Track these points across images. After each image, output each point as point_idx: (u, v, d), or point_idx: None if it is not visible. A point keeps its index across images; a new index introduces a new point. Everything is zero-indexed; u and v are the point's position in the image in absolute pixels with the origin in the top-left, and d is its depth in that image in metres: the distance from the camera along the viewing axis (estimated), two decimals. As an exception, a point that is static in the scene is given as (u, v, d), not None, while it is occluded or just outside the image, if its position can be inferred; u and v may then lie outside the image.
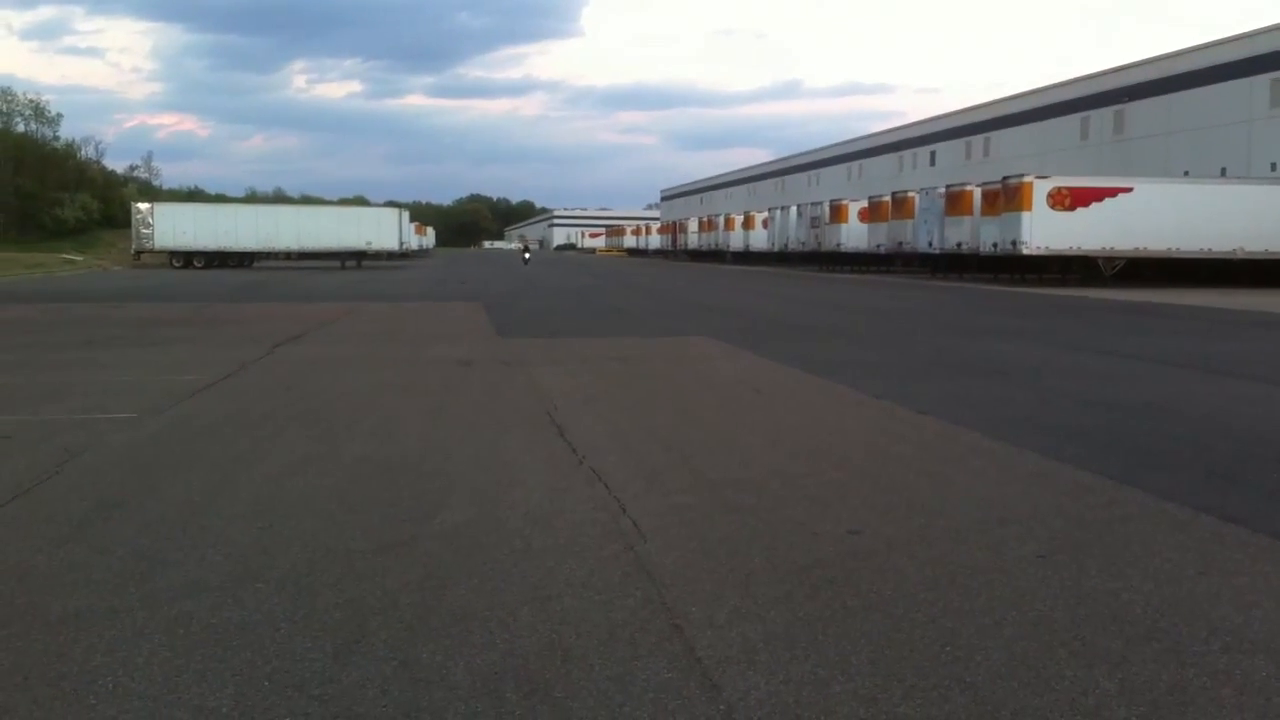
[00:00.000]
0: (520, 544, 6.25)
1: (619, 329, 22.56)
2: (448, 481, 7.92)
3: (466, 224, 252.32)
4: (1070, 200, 42.35)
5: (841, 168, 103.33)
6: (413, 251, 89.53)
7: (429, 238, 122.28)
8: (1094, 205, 42.44)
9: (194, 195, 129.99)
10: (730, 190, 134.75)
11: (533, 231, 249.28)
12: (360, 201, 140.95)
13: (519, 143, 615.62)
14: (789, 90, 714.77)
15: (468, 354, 16.73)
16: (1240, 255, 43.02)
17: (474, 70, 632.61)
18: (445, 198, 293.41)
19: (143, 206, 68.49)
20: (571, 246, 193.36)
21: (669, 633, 4.84)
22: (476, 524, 6.69)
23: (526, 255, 75.82)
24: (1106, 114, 66.00)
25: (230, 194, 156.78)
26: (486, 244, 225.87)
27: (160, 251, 66.70)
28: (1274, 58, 53.48)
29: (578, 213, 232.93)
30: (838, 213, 65.59)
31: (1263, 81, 54.05)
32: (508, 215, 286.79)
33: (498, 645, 4.69)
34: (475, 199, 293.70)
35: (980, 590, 5.46)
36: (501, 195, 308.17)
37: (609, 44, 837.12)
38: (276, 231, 68.06)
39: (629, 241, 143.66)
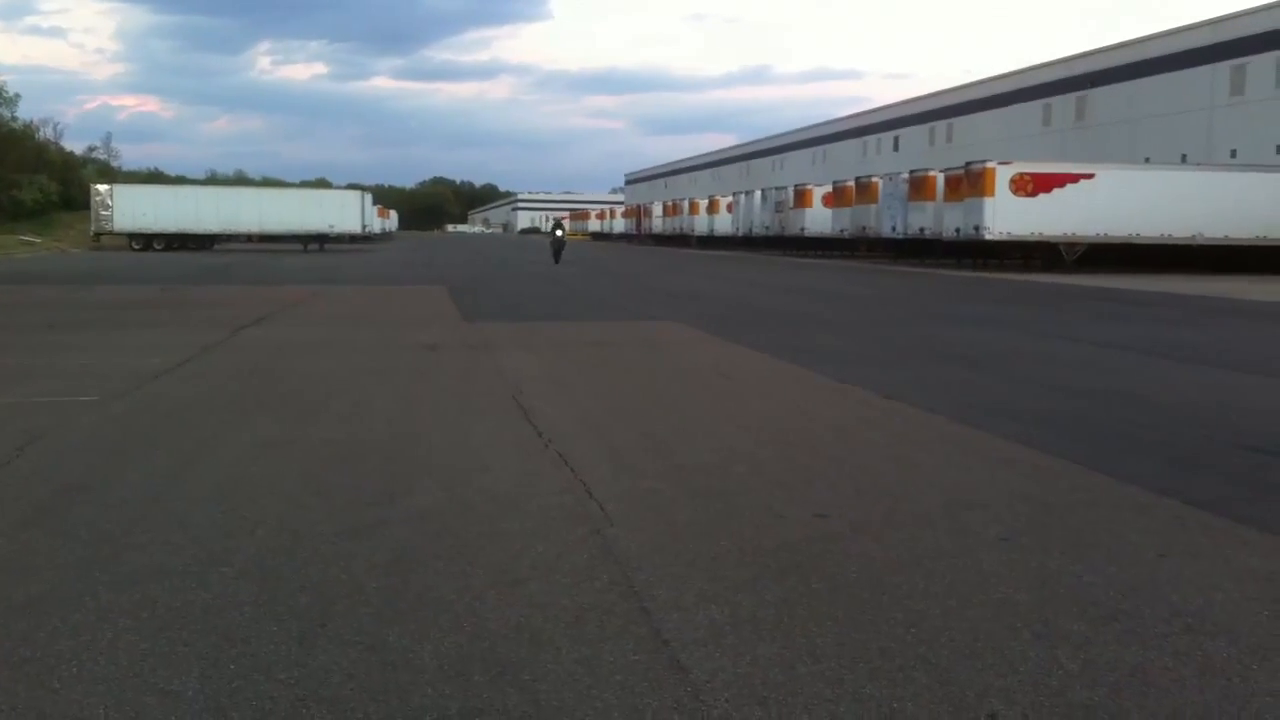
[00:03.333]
0: (488, 528, 6.25)
1: (586, 313, 22.53)
2: (415, 465, 7.90)
3: (430, 207, 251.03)
4: (1033, 186, 42.60)
5: (806, 152, 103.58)
6: (375, 235, 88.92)
7: (392, 221, 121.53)
8: (1056, 191, 42.72)
9: (154, 177, 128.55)
10: (695, 175, 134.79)
11: (497, 215, 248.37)
12: (323, 184, 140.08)
13: (486, 126, 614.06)
14: (759, 75, 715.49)
15: (434, 338, 16.67)
16: (1200, 241, 43.43)
17: (441, 53, 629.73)
18: (411, 181, 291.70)
19: (102, 188, 67.73)
20: (535, 230, 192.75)
21: (636, 615, 4.85)
22: (444, 508, 6.68)
23: (559, 233, 49.59)
24: (1069, 100, 66.48)
25: (191, 176, 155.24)
26: (450, 228, 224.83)
27: (120, 234, 65.96)
28: (1235, 45, 54.03)
29: (542, 196, 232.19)
30: (802, 197, 65.74)
31: (1224, 69, 54.60)
32: (471, 199, 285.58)
33: (465, 628, 4.69)
34: (439, 182, 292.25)
35: (945, 573, 5.50)
36: (466, 179, 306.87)
37: (578, 28, 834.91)
38: (238, 214, 67.44)
39: (593, 226, 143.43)
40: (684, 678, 4.20)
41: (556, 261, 46.94)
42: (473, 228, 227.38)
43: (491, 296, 27.61)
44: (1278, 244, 43.60)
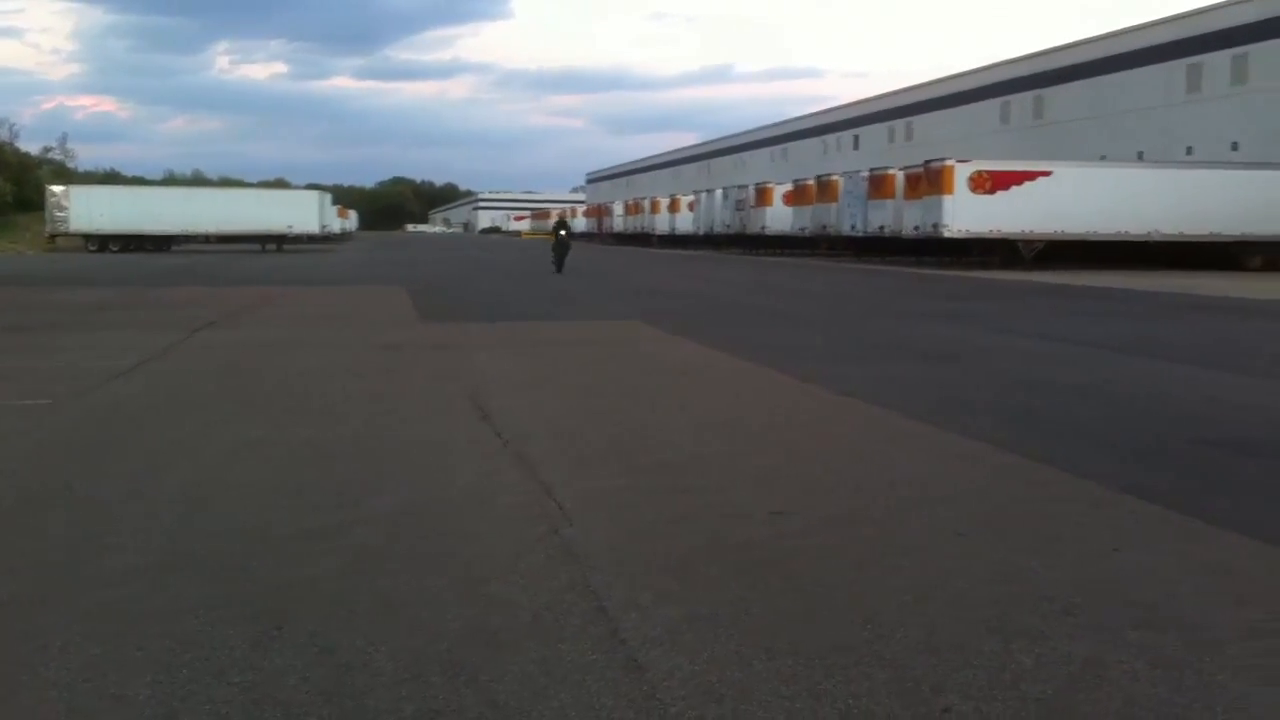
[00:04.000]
0: (447, 528, 6.23)
1: (549, 313, 22.49)
2: (375, 467, 7.86)
3: (390, 207, 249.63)
4: (991, 184, 42.87)
5: (767, 151, 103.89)
6: (335, 235, 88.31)
7: (352, 221, 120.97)
8: (1014, 189, 42.99)
9: (111, 178, 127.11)
10: (656, 173, 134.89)
11: (457, 215, 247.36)
12: (281, 184, 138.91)
13: (447, 126, 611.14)
14: (719, 74, 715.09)
15: (397, 338, 16.60)
16: (1156, 237, 43.84)
17: (402, 52, 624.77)
18: (371, 181, 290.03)
19: (57, 189, 66.86)
20: (496, 229, 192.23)
21: (594, 615, 4.84)
22: (403, 509, 6.64)
23: (563, 233, 41.29)
24: (1027, 99, 67.03)
25: (149, 177, 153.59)
26: (410, 227, 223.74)
27: (75, 235, 65.21)
28: (1190, 43, 54.62)
29: (503, 195, 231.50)
30: (763, 196, 65.85)
31: (1179, 67, 55.17)
32: (432, 198, 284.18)
33: (422, 630, 4.66)
34: (399, 181, 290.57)
35: (903, 569, 5.52)
36: (427, 178, 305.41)
37: (539, 27, 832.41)
38: (195, 214, 66.73)
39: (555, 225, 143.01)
40: (640, 676, 4.19)
41: (559, 269, 38.52)
42: (433, 227, 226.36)
43: (453, 296, 27.52)
44: (1232, 240, 44.07)
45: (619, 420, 9.79)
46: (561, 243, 40.44)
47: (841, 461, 8.18)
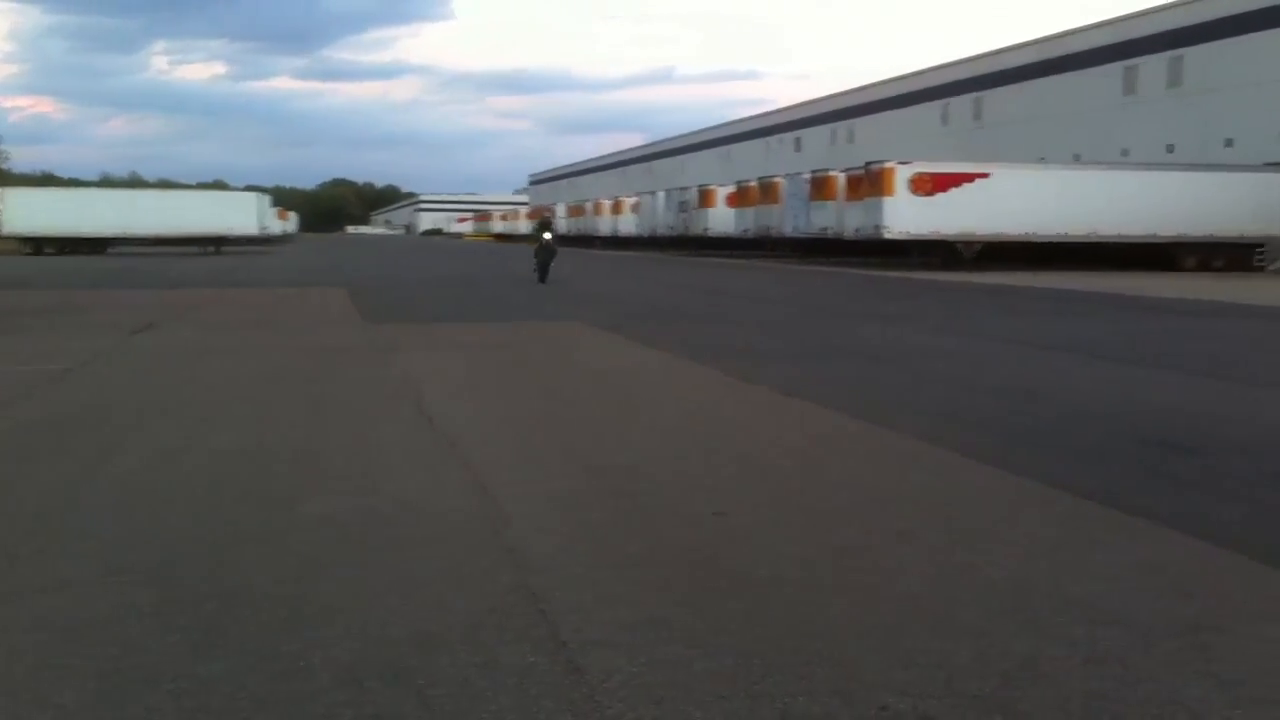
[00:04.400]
0: (389, 533, 6.17)
1: (490, 314, 22.40)
2: (314, 470, 7.78)
3: (331, 209, 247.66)
4: (931, 185, 43.25)
5: (710, 153, 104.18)
6: (275, 237, 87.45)
7: (292, 223, 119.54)
8: (954, 190, 43.40)
9: (46, 180, 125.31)
10: (599, 175, 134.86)
11: (399, 217, 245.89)
12: (220, 186, 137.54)
13: (389, 127, 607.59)
14: (663, 76, 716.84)
15: (336, 341, 16.46)
16: (1094, 238, 44.42)
17: (343, 53, 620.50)
18: (312, 183, 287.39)
19: (-10, 191, 65.77)
20: (438, 231, 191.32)
21: (535, 618, 4.81)
22: (344, 513, 6.57)
23: (547, 237, 34.92)
24: (966, 101, 67.72)
25: (85, 179, 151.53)
26: (351, 229, 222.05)
27: (10, 238, 64.13)
28: (1125, 47, 55.44)
29: (445, 197, 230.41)
30: (706, 198, 66.10)
31: (1116, 70, 55.97)
32: (374, 200, 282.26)
33: (361, 635, 4.61)
34: (340, 183, 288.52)
35: (846, 568, 5.54)
36: (369, 180, 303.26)
37: (482, 28, 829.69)
38: (132, 217, 65.79)
39: (498, 227, 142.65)
40: (580, 679, 4.17)
41: (542, 279, 32.66)
42: (375, 229, 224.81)
43: (393, 297, 27.34)
44: (1168, 241, 44.74)
45: (562, 423, 9.76)
46: (546, 248, 34.04)
47: (786, 462, 8.20)
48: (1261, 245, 45.78)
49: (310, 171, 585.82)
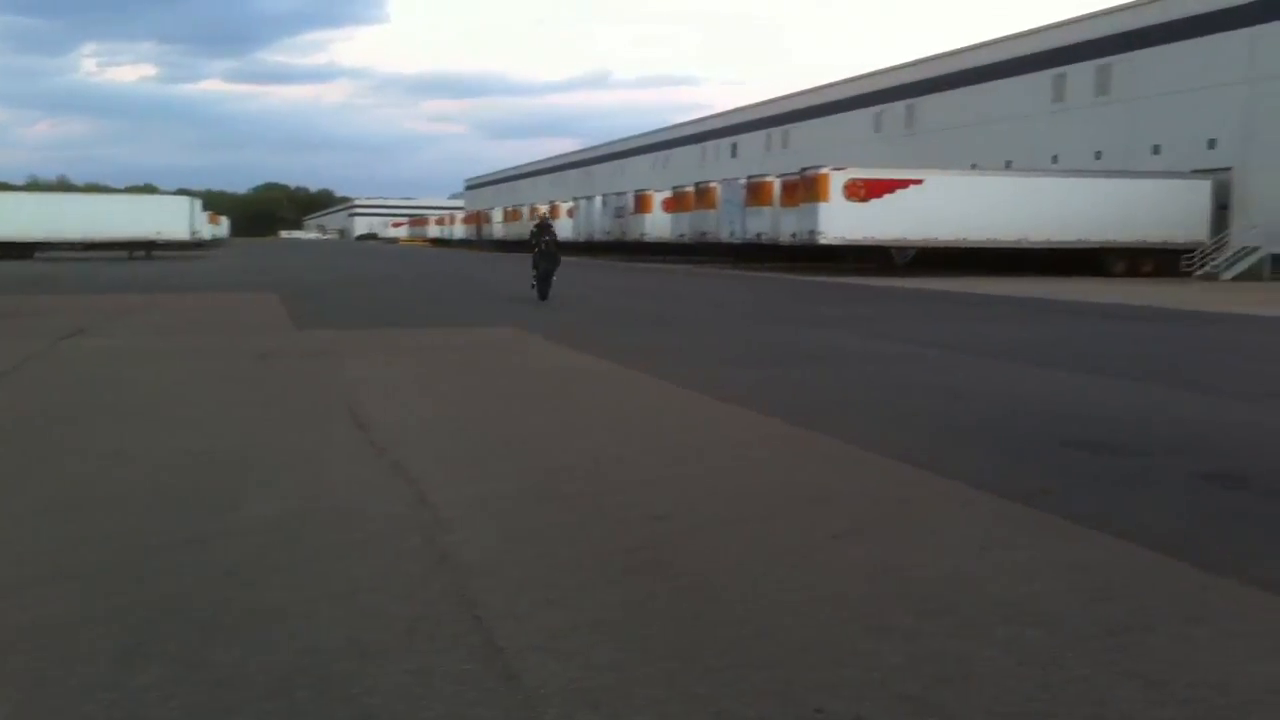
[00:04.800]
0: (322, 539, 6.11)
1: (426, 320, 22.27)
2: (248, 477, 7.68)
3: (264, 213, 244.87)
4: (865, 191, 43.66)
5: (647, 158, 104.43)
6: (206, 241, 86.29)
7: (223, 227, 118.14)
8: (888, 196, 43.86)
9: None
10: (536, 180, 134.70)
11: (333, 221, 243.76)
12: (150, 190, 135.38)
13: (322, 131, 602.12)
14: (598, 81, 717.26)
15: (270, 346, 16.27)
16: (1025, 244, 45.03)
17: (276, 55, 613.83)
18: (245, 187, 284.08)
19: (-87, 196, 64.31)
20: (373, 236, 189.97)
21: (470, 624, 4.79)
22: (277, 520, 6.50)
23: (547, 240, 27.64)
24: (900, 108, 68.39)
25: (12, 182, 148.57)
26: (284, 233, 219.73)
27: (-67, 243, 62.80)
28: (1055, 55, 56.31)
29: (380, 202, 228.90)
30: (642, 203, 66.22)
31: (1045, 78, 56.80)
32: (307, 204, 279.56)
33: (294, 643, 4.56)
34: (273, 187, 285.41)
35: (782, 570, 5.57)
36: (302, 184, 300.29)
37: (416, 31, 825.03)
38: (60, 221, 64.58)
39: (433, 231, 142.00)
40: (516, 685, 4.15)
41: (543, 294, 26.65)
42: (308, 234, 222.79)
43: (327, 302, 27.09)
44: (1096, 246, 45.47)
45: (498, 427, 9.73)
46: (547, 254, 27.30)
47: (722, 465, 8.23)
48: (1189, 250, 46.67)
49: (243, 175, 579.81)
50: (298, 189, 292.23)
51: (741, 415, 10.51)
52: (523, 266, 52.85)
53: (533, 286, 26.98)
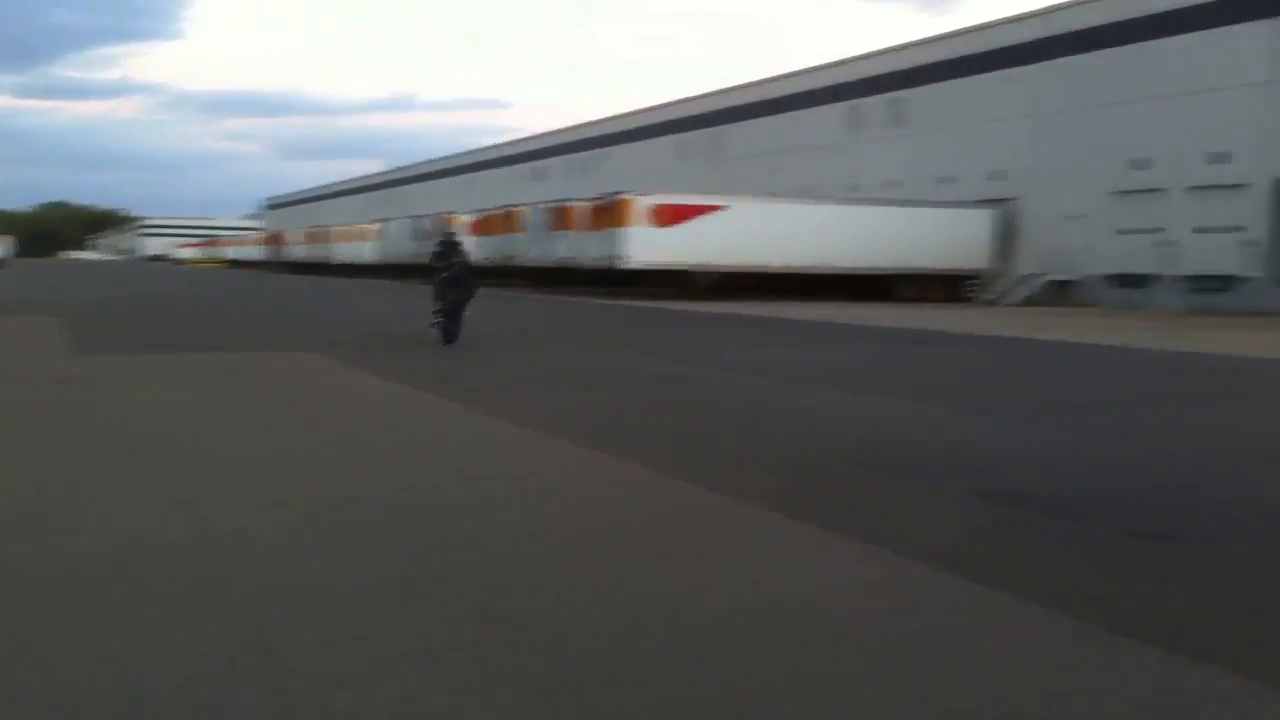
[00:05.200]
0: (103, 579, 5.79)
1: (216, 344, 21.52)
2: (8, 514, 7.24)
3: (49, 232, 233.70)
4: (669, 217, 44.21)
5: (455, 180, 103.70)
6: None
7: (7, 246, 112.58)
8: (691, 221, 44.51)
9: None
10: (340, 201, 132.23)
11: (122, 241, 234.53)
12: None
13: (113, 148, 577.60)
14: (404, 102, 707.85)
15: (45, 372, 15.48)
16: (823, 270, 46.25)
17: (66, 70, 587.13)
18: (29, 205, 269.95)
19: None
20: (162, 257, 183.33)
21: (264, 661, 4.60)
22: (45, 566, 6.12)
23: (456, 264, 20.76)
24: (705, 135, 69.74)
25: None
26: (70, 254, 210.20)
27: None
28: (849, 88, 58.42)
29: (172, 221, 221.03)
30: (447, 225, 65.53)
31: (841, 109, 58.77)
32: (94, 223, 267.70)
33: (69, 692, 4.30)
34: (58, 206, 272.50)
35: (566, 596, 5.53)
36: (90, 202, 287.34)
37: (213, 48, 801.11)
38: None
39: (229, 252, 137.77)
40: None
41: (449, 336, 20.48)
42: (95, 254, 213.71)
43: (114, 325, 26.00)
44: (889, 273, 47.07)
45: (291, 456, 9.47)
46: (456, 280, 20.69)
47: (518, 492, 8.16)
48: (974, 277, 48.80)
49: (27, 193, 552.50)
50: (84, 208, 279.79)
51: (538, 440, 10.44)
52: (328, 292, 51.68)
53: (433, 325, 20.62)
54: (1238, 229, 40.42)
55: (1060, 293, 45.89)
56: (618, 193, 45.44)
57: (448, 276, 20.72)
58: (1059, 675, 4.56)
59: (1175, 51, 42.69)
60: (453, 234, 23.69)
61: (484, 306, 22.81)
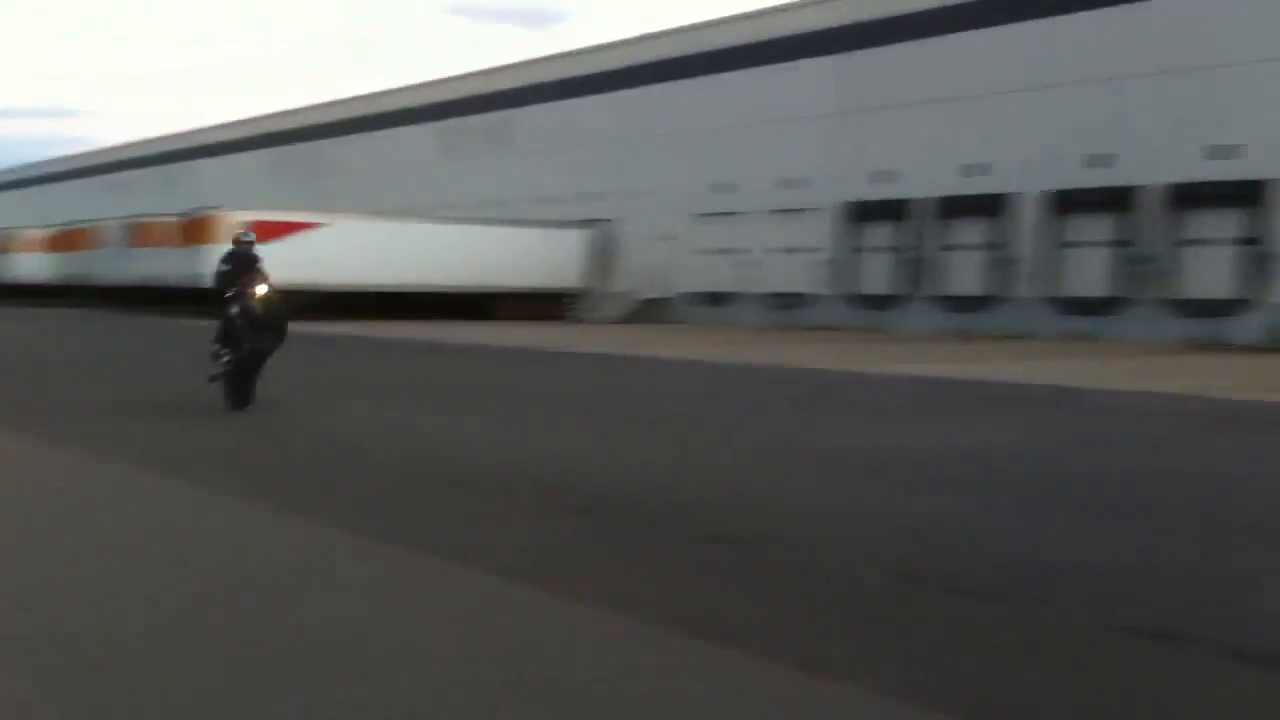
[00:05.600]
0: None
1: None
2: None
3: None
4: (262, 234, 42.55)
5: (21, 193, 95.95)
6: None
7: None
8: (285, 239, 43.05)
9: None
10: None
11: None
12: None
13: None
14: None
15: None
16: (425, 288, 45.90)
17: None
18: None
19: None
20: None
21: None
22: None
23: (259, 291, 15.08)
24: (305, 149, 68.07)
25: None
26: None
27: None
28: (452, 106, 58.84)
29: None
30: (14, 242, 60.85)
31: (443, 127, 58.99)
32: None
33: None
34: None
35: (155, 636, 5.23)
36: None
37: None
38: None
39: None
40: None
41: (240, 400, 14.22)
42: None
43: None
44: (491, 290, 47.37)
45: None
46: (258, 320, 14.94)
47: (97, 532, 7.63)
48: (571, 296, 50.00)
49: None
50: None
51: (123, 476, 9.84)
52: None
53: (214, 378, 14.56)
54: (812, 250, 43.49)
55: (653, 310, 47.74)
56: (203, 208, 43.50)
57: (244, 310, 14.67)
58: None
59: (754, 82, 45.51)
60: (249, 243, 16.72)
61: (51, 327, 21.06)
